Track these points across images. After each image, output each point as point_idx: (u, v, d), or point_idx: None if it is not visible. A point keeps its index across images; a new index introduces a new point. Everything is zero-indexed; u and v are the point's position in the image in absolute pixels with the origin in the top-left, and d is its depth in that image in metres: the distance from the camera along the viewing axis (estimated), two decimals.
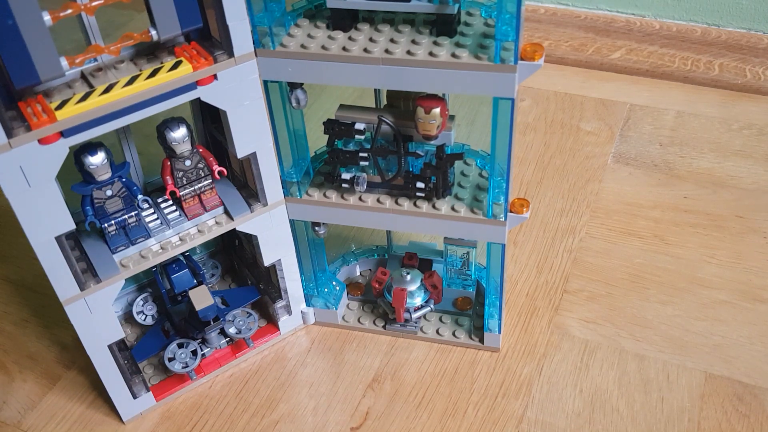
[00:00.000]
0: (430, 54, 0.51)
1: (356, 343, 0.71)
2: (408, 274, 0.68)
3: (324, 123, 0.53)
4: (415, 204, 0.61)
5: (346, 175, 0.59)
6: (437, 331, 0.70)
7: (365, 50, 0.52)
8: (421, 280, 0.68)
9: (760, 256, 0.76)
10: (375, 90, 0.62)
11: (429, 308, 0.70)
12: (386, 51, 0.52)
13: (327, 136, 0.60)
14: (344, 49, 0.53)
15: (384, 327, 0.71)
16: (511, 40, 0.49)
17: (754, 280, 0.74)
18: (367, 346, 0.71)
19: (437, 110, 0.51)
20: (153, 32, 0.50)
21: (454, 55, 0.51)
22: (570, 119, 0.97)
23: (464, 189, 0.62)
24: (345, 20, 0.54)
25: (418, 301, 0.68)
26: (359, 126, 0.55)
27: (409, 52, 0.52)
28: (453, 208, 0.60)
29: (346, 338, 0.72)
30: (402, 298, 0.67)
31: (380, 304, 0.72)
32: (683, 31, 1.01)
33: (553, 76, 1.05)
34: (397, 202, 0.61)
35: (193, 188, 0.60)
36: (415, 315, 0.69)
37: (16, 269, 0.82)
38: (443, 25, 0.53)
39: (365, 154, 0.56)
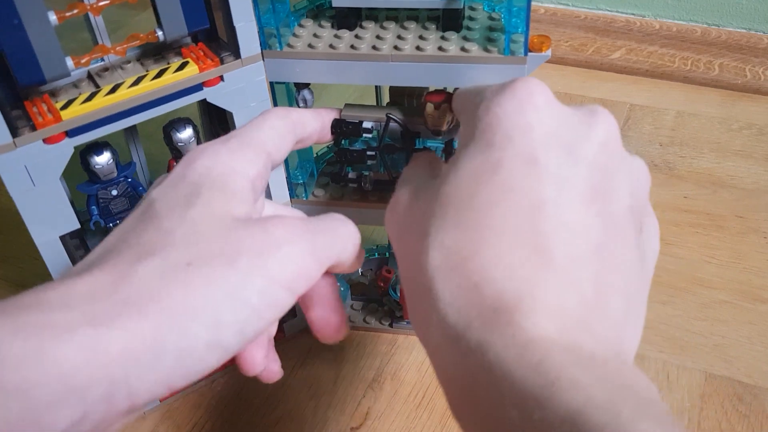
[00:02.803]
0: (440, 49, 0.52)
1: (356, 343, 0.71)
2: None
3: (333, 124, 0.53)
4: None
5: (352, 175, 0.59)
6: None
7: (374, 47, 0.53)
8: None
9: (760, 256, 0.76)
10: (376, 88, 0.62)
11: None
12: (395, 47, 0.52)
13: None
14: (352, 47, 0.53)
15: (390, 325, 0.71)
16: (520, 32, 0.50)
17: (754, 280, 0.74)
18: (368, 346, 0.71)
19: (447, 105, 0.51)
20: (159, 33, 0.50)
21: (463, 49, 0.51)
22: None
23: None
24: (350, 19, 0.54)
25: None
26: (367, 125, 0.55)
27: (418, 48, 0.52)
28: None
29: (347, 338, 0.71)
30: None
31: (386, 303, 0.72)
32: (683, 31, 1.02)
33: (553, 76, 1.06)
34: None
35: None
36: None
37: (16, 269, 0.82)
38: (450, 20, 0.53)
39: (373, 153, 0.57)
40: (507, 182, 0.30)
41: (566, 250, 0.29)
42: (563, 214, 0.30)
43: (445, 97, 0.52)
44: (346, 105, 0.56)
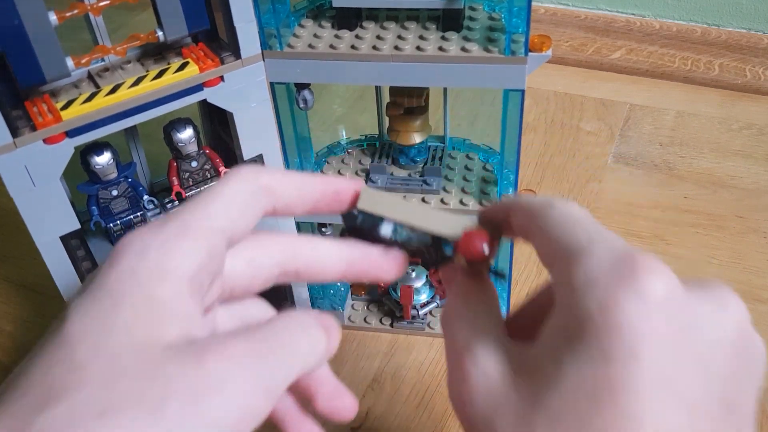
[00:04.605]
0: (440, 49, 0.52)
1: (356, 343, 0.71)
2: (413, 271, 0.68)
3: (343, 217, 0.36)
4: (422, 200, 0.61)
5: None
6: None
7: (374, 48, 0.53)
8: (426, 276, 0.68)
9: (760, 256, 0.76)
10: (376, 88, 0.62)
11: (435, 304, 0.70)
12: (395, 48, 0.52)
13: (328, 136, 0.59)
14: (353, 47, 0.53)
15: (391, 325, 0.71)
16: (521, 32, 0.50)
17: (754, 280, 0.74)
18: (368, 346, 0.71)
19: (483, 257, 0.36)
20: (159, 33, 0.50)
21: (464, 49, 0.51)
22: (570, 119, 0.98)
23: (469, 183, 0.62)
24: (350, 19, 0.54)
25: (424, 297, 0.68)
26: (386, 231, 0.37)
27: (418, 48, 0.52)
28: (461, 202, 0.60)
29: (346, 338, 0.71)
30: (410, 296, 0.67)
31: (386, 303, 0.72)
32: (683, 31, 1.02)
33: (553, 76, 1.06)
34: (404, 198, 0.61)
35: (199, 189, 0.60)
36: (422, 311, 0.69)
37: (16, 269, 0.82)
38: (450, 20, 0.53)
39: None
40: (631, 410, 0.26)
41: None
42: None
43: (479, 252, 0.35)
44: (364, 190, 0.37)
